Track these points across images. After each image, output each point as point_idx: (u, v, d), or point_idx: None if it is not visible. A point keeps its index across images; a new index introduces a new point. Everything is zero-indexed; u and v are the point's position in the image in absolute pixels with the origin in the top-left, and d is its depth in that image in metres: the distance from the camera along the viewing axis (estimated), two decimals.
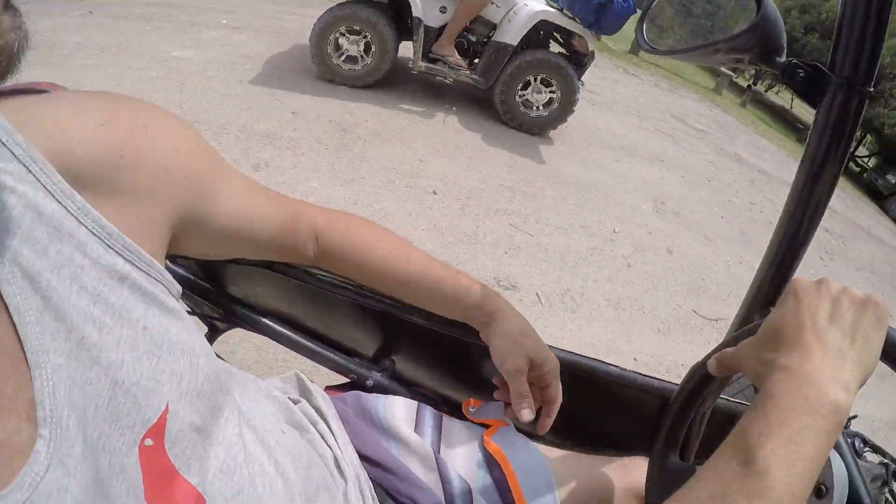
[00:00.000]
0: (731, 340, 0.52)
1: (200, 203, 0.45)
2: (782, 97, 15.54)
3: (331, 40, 3.98)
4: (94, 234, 0.34)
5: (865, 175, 13.41)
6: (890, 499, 0.59)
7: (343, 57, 4.07)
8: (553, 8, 3.89)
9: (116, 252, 0.35)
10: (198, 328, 0.42)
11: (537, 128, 4.39)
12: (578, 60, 4.13)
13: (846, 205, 7.31)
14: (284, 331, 0.77)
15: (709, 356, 0.54)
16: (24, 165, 0.32)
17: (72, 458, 0.29)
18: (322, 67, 4.11)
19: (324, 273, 0.69)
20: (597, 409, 0.78)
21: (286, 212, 0.57)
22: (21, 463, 0.27)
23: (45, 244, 0.31)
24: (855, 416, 0.80)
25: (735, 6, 0.64)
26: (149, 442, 0.33)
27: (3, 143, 0.31)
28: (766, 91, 15.72)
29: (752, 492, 0.35)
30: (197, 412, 0.37)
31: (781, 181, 6.18)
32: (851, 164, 15.47)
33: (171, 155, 0.41)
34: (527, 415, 0.63)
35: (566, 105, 4.24)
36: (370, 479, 0.60)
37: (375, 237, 0.64)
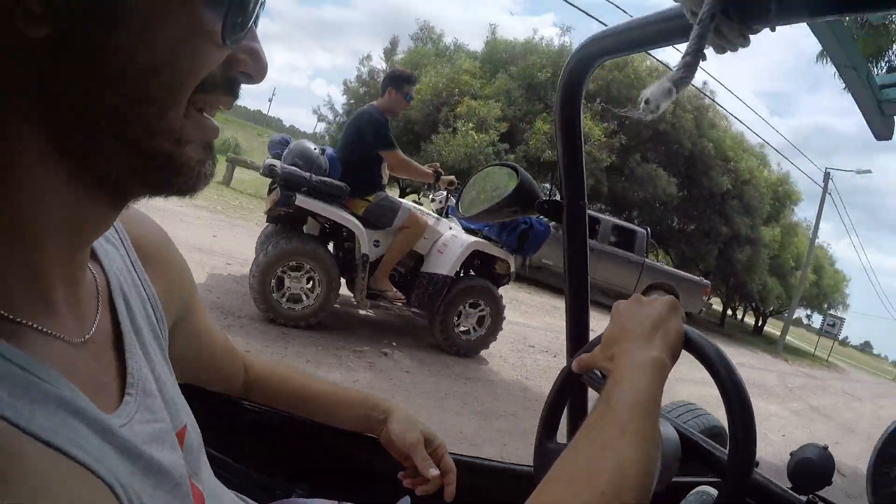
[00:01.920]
0: (588, 348, 0.71)
1: (188, 308, 0.60)
2: None
3: (274, 277, 3.37)
4: (149, 299, 0.50)
5: None
6: None
7: (285, 296, 3.45)
8: (479, 237, 4.22)
9: (157, 319, 0.50)
10: None
11: (473, 350, 4.34)
12: (498, 281, 4.44)
13: None
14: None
15: (571, 362, 0.71)
16: (122, 242, 0.49)
17: (155, 405, 0.42)
18: (264, 306, 3.36)
19: (248, 403, 0.80)
20: (479, 491, 0.92)
21: (228, 344, 0.73)
22: (116, 404, 0.39)
23: (130, 286, 0.47)
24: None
25: (505, 179, 0.95)
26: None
27: (115, 228, 0.49)
28: None
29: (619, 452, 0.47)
30: (197, 444, 0.50)
31: None
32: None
33: (183, 265, 0.60)
34: (433, 472, 0.77)
35: (496, 324, 4.37)
36: None
37: (292, 368, 0.83)
